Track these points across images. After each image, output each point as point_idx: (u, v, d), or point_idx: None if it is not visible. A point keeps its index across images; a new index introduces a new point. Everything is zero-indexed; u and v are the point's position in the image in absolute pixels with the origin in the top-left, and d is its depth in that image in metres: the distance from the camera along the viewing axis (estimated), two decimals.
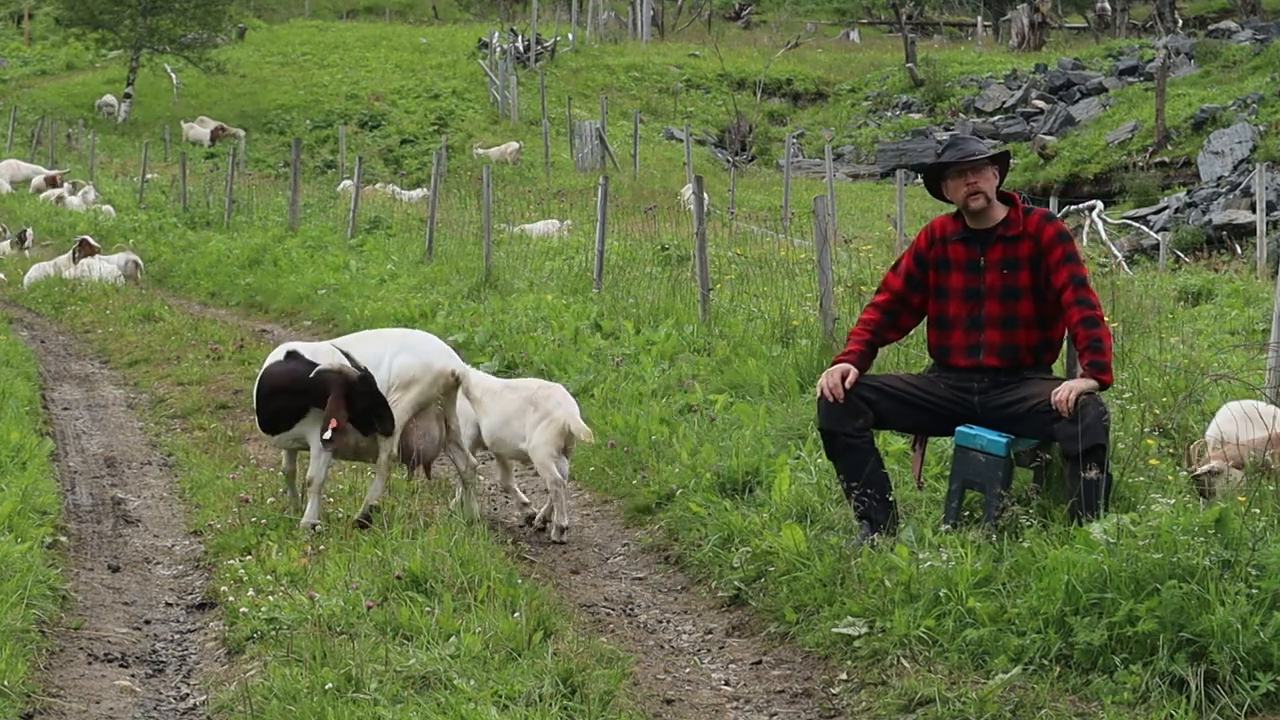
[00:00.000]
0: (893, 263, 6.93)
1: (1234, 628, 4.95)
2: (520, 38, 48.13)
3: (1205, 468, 6.27)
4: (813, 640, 5.86)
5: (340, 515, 7.45)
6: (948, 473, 6.56)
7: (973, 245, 6.51)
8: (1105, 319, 6.40)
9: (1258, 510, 5.47)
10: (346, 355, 7.34)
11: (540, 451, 7.64)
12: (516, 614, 5.75)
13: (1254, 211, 23.02)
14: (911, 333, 7.21)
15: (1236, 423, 6.49)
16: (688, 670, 5.92)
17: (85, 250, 18.80)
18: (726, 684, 5.76)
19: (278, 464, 8.75)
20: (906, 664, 5.36)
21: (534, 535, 7.92)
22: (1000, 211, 6.52)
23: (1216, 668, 4.94)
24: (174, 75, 45.46)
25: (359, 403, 7.17)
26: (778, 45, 51.27)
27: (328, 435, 7.12)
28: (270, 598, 6.17)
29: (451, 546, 6.39)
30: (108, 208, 26.33)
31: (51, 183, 29.72)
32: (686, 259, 15.37)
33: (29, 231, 22.20)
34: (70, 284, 17.98)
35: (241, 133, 39.65)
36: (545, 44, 48.49)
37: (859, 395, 6.46)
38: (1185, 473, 6.28)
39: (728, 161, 38.83)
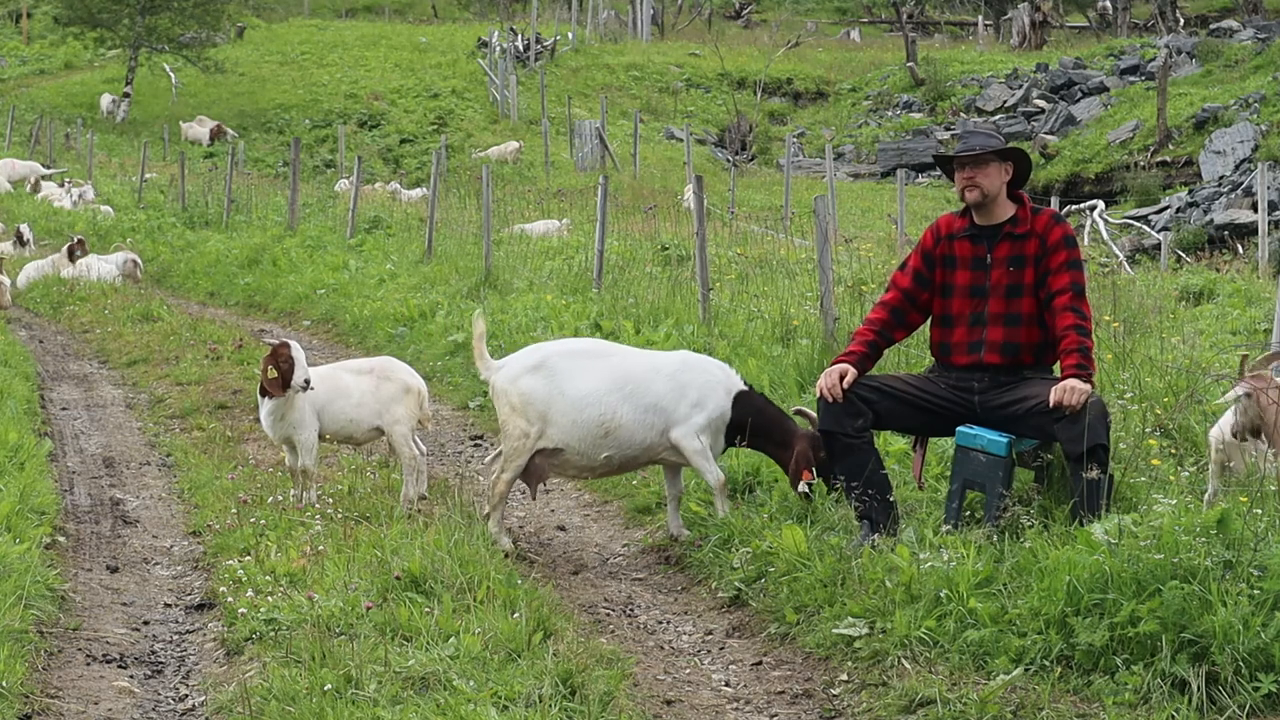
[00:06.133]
0: (898, 263, 6.92)
1: (1235, 628, 4.93)
2: (520, 37, 48.13)
3: (1236, 392, 6.25)
4: (813, 641, 5.84)
5: (338, 516, 7.42)
6: (948, 473, 6.55)
7: (979, 242, 6.50)
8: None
9: (1259, 510, 5.45)
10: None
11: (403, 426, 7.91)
12: (516, 614, 5.74)
13: (1256, 211, 23.01)
14: (913, 332, 7.19)
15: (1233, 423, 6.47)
16: (688, 671, 5.90)
17: (80, 250, 18.79)
18: (727, 685, 5.74)
19: (277, 464, 8.75)
20: (907, 665, 5.35)
21: (534, 535, 7.91)
22: (1008, 209, 6.50)
23: (1218, 669, 4.93)
24: (173, 74, 45.45)
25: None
26: (778, 44, 51.27)
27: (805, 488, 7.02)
28: (269, 598, 6.15)
29: (451, 547, 6.37)
30: (106, 208, 26.30)
31: (35, 187, 29.66)
32: (686, 259, 15.37)
33: (25, 229, 22.13)
34: (68, 283, 17.96)
35: (234, 135, 39.67)
36: (545, 43, 48.49)
37: (858, 395, 6.45)
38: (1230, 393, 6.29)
39: (728, 161, 38.83)
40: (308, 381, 7.62)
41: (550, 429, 7.24)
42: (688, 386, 7.27)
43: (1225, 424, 6.55)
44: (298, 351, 7.63)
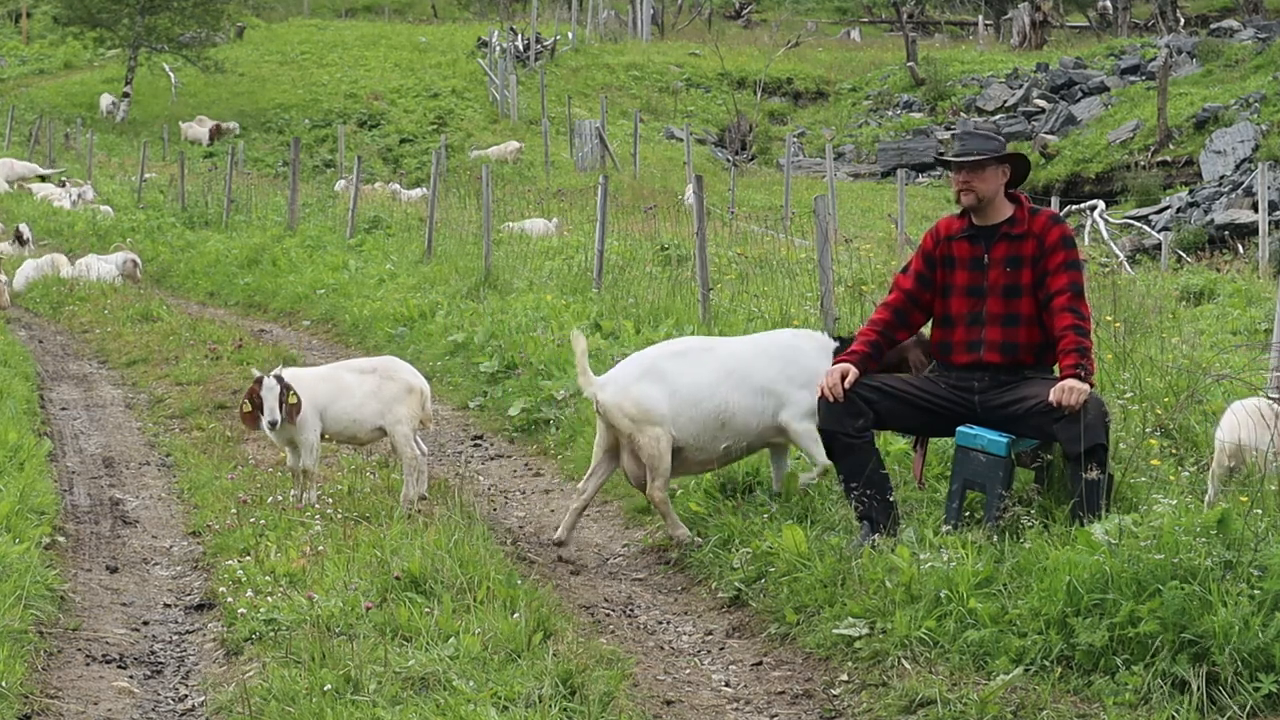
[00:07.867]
0: (898, 263, 6.93)
1: (1236, 629, 4.93)
2: (520, 36, 48.11)
3: None
4: (813, 641, 5.84)
5: (338, 516, 7.42)
6: (948, 473, 6.55)
7: (977, 242, 6.52)
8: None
9: (1259, 511, 5.45)
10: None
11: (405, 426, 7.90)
12: (516, 615, 5.73)
13: (1256, 211, 23.01)
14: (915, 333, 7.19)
15: (1240, 426, 6.45)
16: (688, 671, 5.90)
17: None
18: (727, 685, 5.74)
19: (277, 464, 8.74)
20: (907, 665, 5.34)
21: (534, 535, 7.90)
22: (1006, 210, 6.51)
23: (1218, 669, 4.92)
24: (172, 74, 45.43)
25: None
26: (778, 44, 51.27)
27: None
28: (269, 599, 6.15)
29: (451, 547, 6.36)
30: (106, 208, 26.29)
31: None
32: (686, 259, 15.36)
33: (25, 229, 22.12)
34: (68, 283, 17.96)
35: (235, 126, 39.67)
36: (545, 43, 48.47)
37: (859, 395, 6.46)
38: None
39: (728, 161, 38.82)
40: (273, 424, 7.67)
41: (671, 429, 7.26)
42: (790, 365, 7.28)
43: (1226, 426, 6.53)
44: (269, 393, 7.64)
